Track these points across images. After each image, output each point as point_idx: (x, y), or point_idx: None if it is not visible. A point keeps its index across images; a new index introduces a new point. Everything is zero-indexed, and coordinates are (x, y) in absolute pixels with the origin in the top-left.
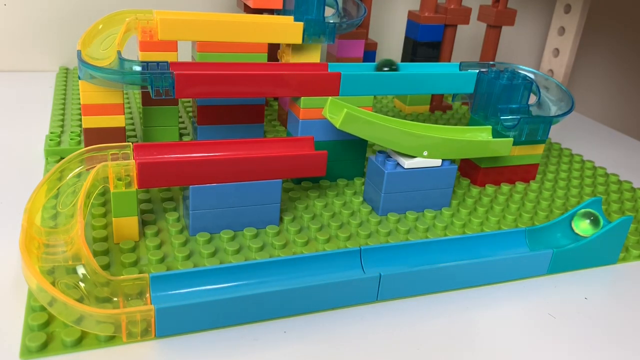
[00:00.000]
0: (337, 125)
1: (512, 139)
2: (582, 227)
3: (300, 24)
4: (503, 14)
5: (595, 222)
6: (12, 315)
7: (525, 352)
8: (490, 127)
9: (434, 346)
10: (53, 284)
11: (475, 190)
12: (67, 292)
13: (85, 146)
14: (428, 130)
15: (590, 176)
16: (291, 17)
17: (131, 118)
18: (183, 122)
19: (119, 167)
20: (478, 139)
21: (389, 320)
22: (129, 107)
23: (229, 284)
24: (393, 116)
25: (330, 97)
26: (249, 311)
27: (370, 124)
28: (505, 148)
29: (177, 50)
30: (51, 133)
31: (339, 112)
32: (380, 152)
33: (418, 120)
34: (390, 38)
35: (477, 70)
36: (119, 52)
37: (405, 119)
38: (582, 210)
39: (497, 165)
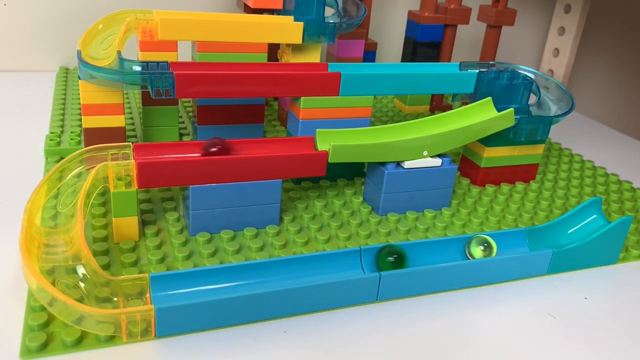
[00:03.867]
0: (329, 161)
1: (512, 109)
2: (477, 253)
3: (300, 24)
4: (503, 14)
5: (488, 249)
6: (12, 315)
7: (525, 352)
8: (490, 97)
9: (433, 346)
10: (53, 284)
11: (475, 190)
12: (67, 292)
13: (85, 146)
14: (426, 128)
15: (590, 176)
16: (291, 17)
17: (131, 118)
18: (183, 122)
19: (119, 167)
20: (481, 117)
21: (389, 320)
22: (129, 107)
23: (229, 284)
24: (393, 116)
25: (317, 129)
26: (249, 311)
27: (361, 147)
28: (508, 120)
29: (177, 50)
30: (51, 133)
31: (327, 145)
32: None
33: None
34: (390, 38)
35: (477, 70)
36: (119, 52)
37: (405, 119)
38: (478, 236)
39: (497, 165)
